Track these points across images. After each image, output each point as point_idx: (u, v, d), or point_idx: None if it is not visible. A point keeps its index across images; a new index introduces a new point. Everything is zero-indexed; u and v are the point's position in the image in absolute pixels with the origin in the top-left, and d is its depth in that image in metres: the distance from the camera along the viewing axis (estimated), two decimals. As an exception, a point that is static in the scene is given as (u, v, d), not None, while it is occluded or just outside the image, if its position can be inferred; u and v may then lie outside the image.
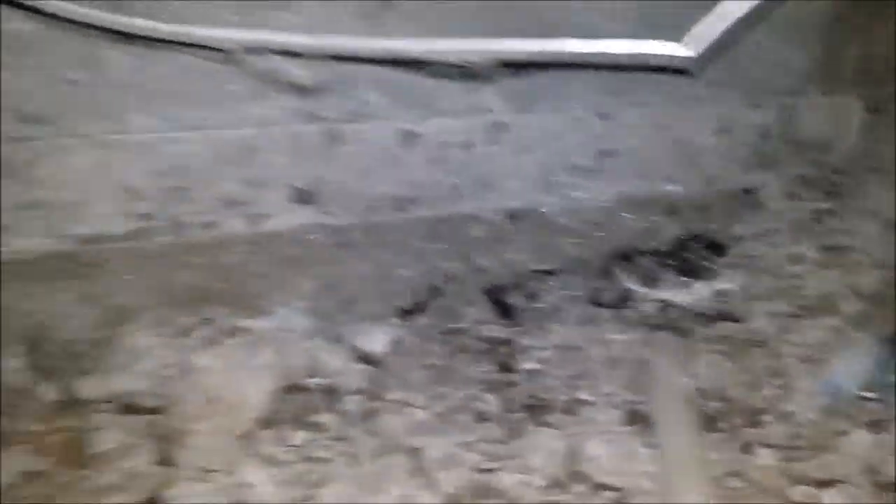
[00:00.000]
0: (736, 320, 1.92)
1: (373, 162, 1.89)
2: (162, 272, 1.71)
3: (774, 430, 1.59)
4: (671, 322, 1.91)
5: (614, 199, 2.19)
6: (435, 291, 1.92)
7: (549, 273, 2.05)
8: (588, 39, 1.62)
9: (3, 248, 1.61)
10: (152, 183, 1.69)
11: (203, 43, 1.56)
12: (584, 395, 1.64)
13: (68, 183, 1.62)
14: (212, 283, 1.71)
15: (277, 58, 1.63)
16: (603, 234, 2.19)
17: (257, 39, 1.60)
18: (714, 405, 1.64)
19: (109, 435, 1.37)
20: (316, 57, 1.65)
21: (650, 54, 1.64)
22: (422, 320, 1.82)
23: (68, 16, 1.39)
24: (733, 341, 1.84)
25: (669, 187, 2.25)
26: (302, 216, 1.87)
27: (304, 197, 1.87)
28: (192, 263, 1.74)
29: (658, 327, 1.89)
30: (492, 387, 1.66)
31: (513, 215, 2.10)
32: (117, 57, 1.54)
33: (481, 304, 1.90)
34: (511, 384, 1.67)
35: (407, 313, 1.84)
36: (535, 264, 2.06)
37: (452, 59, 1.37)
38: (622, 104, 2.07)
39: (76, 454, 1.33)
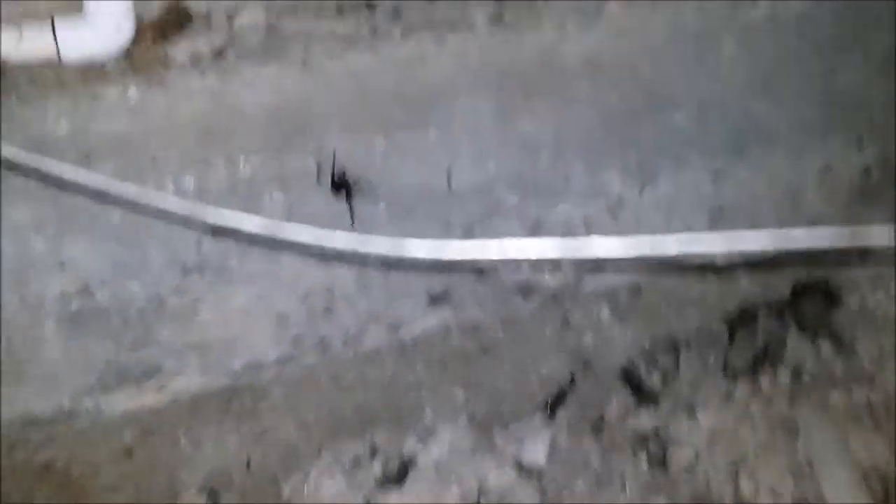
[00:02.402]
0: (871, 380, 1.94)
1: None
2: (317, 396, 1.73)
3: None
4: (809, 389, 1.92)
5: (728, 257, 2.23)
6: (573, 379, 1.93)
7: (677, 345, 2.07)
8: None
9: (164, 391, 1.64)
10: (300, 308, 1.72)
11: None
12: (746, 487, 1.66)
13: (225, 321, 1.64)
14: (368, 402, 1.72)
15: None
16: (722, 295, 2.21)
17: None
18: (876, 487, 1.66)
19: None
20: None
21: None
22: (567, 413, 1.83)
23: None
24: (874, 407, 1.86)
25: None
26: (439, 317, 1.90)
27: (439, 299, 1.89)
28: (343, 382, 1.76)
29: (796, 395, 1.90)
30: (655, 488, 1.68)
31: (632, 289, 2.12)
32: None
33: (619, 389, 1.91)
34: (673, 484, 1.69)
35: (551, 407, 1.86)
36: (662, 337, 2.08)
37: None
38: (733, 162, 2.09)
39: None
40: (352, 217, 1.58)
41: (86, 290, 1.47)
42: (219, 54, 1.43)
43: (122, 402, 1.59)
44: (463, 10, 1.62)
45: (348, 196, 1.55)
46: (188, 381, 1.64)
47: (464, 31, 1.59)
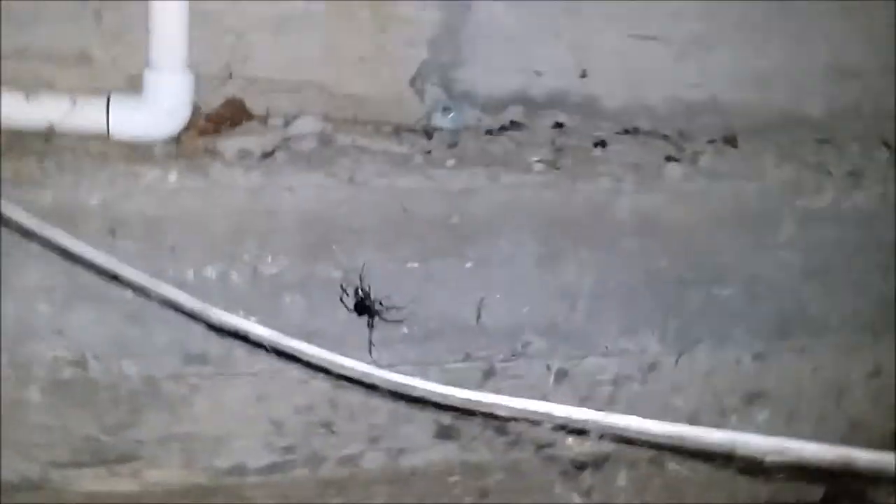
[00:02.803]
0: None
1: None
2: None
3: None
4: None
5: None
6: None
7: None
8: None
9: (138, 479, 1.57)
10: (299, 417, 1.64)
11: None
12: None
13: (218, 417, 1.58)
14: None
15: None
16: (750, 485, 2.08)
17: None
18: None
19: None
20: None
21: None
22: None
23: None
24: None
25: (816, 431, 2.16)
26: (443, 451, 1.81)
27: (447, 432, 1.81)
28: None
29: None
30: None
31: (654, 458, 2.01)
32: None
33: (622, 567, 1.78)
34: None
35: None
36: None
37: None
38: (778, 347, 2.00)
39: None
40: (370, 344, 1.52)
41: (79, 361, 1.42)
42: (267, 155, 1.43)
43: (91, 482, 1.51)
44: (519, 151, 1.60)
45: (370, 321, 1.49)
46: (166, 473, 1.56)
47: (519, 170, 1.56)
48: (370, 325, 1.49)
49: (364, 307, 1.48)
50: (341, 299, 1.48)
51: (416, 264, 1.53)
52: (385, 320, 1.50)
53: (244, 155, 1.41)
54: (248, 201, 1.38)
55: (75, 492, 1.50)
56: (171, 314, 1.43)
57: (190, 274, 1.39)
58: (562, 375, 1.82)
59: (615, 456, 1.87)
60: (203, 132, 1.41)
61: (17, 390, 1.41)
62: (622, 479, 1.87)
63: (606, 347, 1.81)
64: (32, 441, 1.45)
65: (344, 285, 1.47)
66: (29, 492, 1.48)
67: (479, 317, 1.64)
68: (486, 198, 1.54)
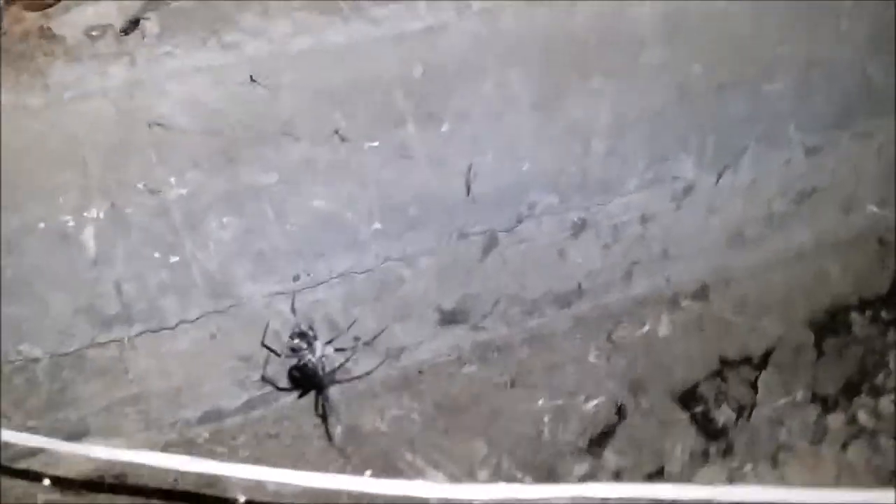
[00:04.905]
0: None
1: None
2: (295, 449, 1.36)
3: None
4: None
5: (815, 244, 1.79)
6: (621, 411, 1.54)
7: (750, 364, 1.67)
8: None
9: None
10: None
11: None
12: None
13: (168, 370, 1.25)
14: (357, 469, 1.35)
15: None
16: (805, 294, 1.78)
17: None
18: None
19: None
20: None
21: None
22: (615, 460, 1.46)
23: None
24: None
25: (878, 211, 1.83)
26: (450, 339, 1.50)
27: (452, 317, 1.49)
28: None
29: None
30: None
31: (697, 293, 1.70)
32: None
33: (680, 424, 1.52)
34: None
35: (596, 445, 1.48)
36: (731, 353, 1.68)
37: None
38: (835, 136, 1.63)
39: None
40: (327, 432, 1.15)
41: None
42: (132, 26, 0.97)
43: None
44: (496, -44, 1.13)
45: (320, 401, 1.09)
46: (125, 440, 1.27)
47: (496, -12, 1.11)
48: (323, 413, 1.04)
49: (304, 377, 1.03)
50: (263, 378, 1.06)
51: (374, 143, 1.13)
52: (340, 382, 1.06)
53: (97, 35, 0.95)
54: (119, 108, 0.95)
55: (23, 485, 1.21)
56: (67, 277, 1.06)
57: (69, 221, 1.00)
58: (580, 227, 1.47)
59: None
60: (30, 5, 0.95)
61: None
62: None
63: (631, 186, 1.45)
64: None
65: (266, 342, 1.06)
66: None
67: (469, 188, 1.27)
68: (456, 35, 1.11)
